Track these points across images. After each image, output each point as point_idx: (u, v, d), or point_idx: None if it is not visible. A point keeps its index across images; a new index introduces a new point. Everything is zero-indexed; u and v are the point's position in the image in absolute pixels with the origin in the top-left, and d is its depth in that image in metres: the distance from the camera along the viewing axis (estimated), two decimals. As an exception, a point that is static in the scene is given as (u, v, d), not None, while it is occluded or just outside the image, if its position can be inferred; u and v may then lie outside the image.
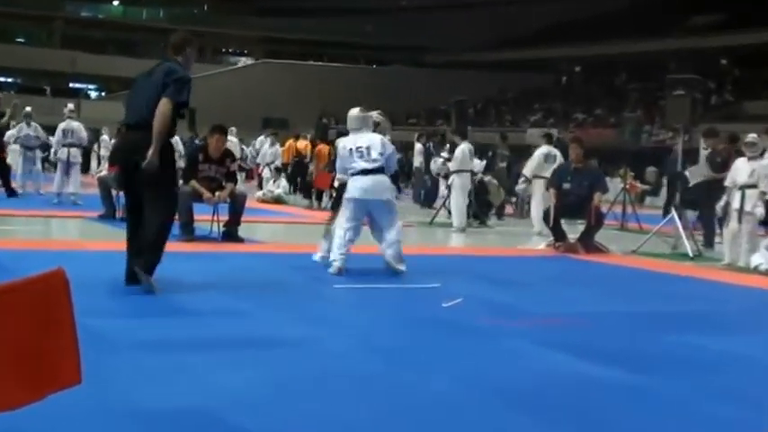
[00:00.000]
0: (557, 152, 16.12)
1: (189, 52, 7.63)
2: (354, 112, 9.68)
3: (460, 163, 15.96)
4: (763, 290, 9.86)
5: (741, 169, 11.73)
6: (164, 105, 7.11)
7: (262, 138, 25.53)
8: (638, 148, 20.04)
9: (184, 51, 7.59)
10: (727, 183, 11.98)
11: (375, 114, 9.80)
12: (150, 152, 7.06)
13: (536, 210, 16.12)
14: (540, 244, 13.38)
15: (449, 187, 16.49)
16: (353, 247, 9.44)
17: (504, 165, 19.69)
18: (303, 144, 24.75)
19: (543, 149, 16.41)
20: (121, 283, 7.45)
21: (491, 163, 19.67)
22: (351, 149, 9.42)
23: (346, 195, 9.39)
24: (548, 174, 14.91)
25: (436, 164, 17.68)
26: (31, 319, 2.66)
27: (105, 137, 27.07)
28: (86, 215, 13.88)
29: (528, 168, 16.36)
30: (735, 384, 5.29)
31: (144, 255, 7.28)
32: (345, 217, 9.39)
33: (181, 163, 23.15)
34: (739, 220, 11.59)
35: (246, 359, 5.18)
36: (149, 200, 7.32)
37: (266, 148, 24.19)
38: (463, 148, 16.07)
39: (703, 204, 13.87)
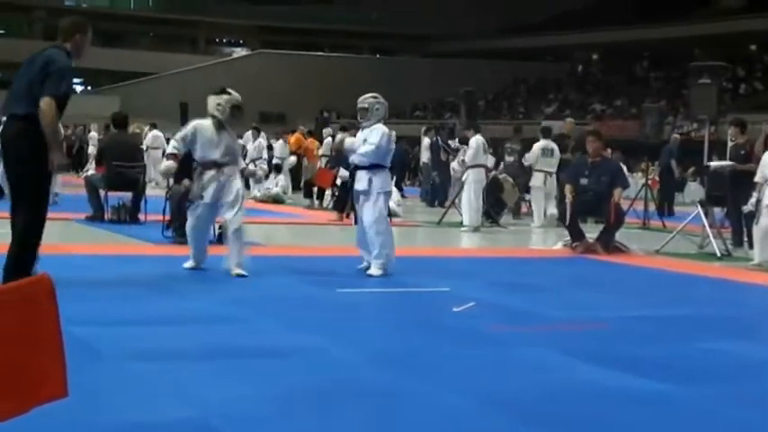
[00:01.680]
0: (554, 146, 17.44)
1: (79, 38, 7.50)
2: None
3: (475, 156, 15.98)
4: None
5: None
6: (45, 105, 6.99)
7: (248, 134, 25.54)
8: (660, 140, 19.94)
9: (74, 38, 7.48)
10: (757, 178, 11.94)
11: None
12: (51, 155, 7.03)
13: (536, 204, 17.11)
14: (557, 243, 13.35)
15: (462, 183, 16.49)
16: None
17: (512, 159, 19.64)
18: (293, 139, 24.80)
19: (541, 143, 17.42)
20: (110, 289, 7.47)
21: (500, 158, 19.79)
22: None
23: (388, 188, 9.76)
24: (547, 167, 17.12)
25: (456, 165, 17.84)
26: (13, 327, 2.66)
27: (94, 134, 27.14)
28: (73, 217, 13.90)
29: (529, 160, 17.03)
30: (766, 392, 5.29)
31: (11, 255, 7.16)
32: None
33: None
34: None
35: (244, 370, 5.17)
36: (16, 198, 7.27)
37: (249, 144, 24.16)
38: (478, 139, 16.11)
39: (730, 200, 13.85)
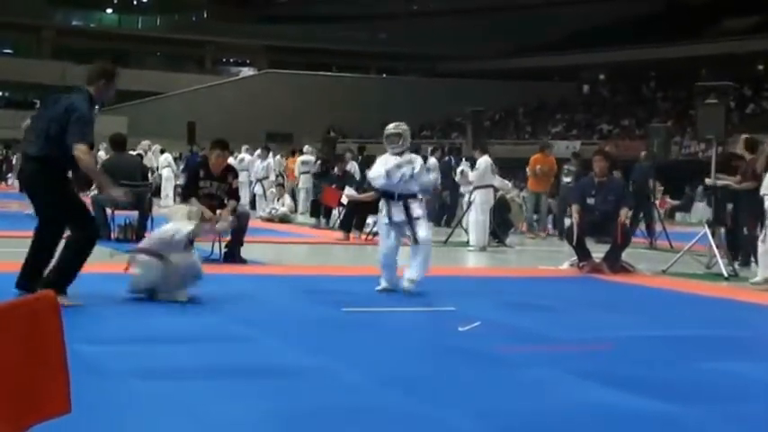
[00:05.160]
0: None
1: (103, 85, 7.88)
2: None
3: (482, 177, 15.99)
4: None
5: None
6: (80, 152, 7.48)
7: (258, 152, 25.78)
8: (667, 161, 19.93)
9: (97, 83, 7.86)
10: (762, 190, 11.90)
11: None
12: (106, 192, 8.31)
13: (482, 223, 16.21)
14: (563, 263, 13.33)
15: (469, 203, 16.50)
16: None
17: (569, 180, 19.75)
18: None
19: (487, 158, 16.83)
20: (116, 307, 7.51)
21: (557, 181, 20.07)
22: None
23: None
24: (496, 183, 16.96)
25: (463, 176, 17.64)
26: (18, 343, 2.67)
27: (101, 153, 27.27)
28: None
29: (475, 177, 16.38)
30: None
31: (52, 276, 7.64)
32: None
33: (179, 180, 23.40)
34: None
35: (249, 389, 5.17)
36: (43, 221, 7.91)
37: (258, 164, 24.31)
38: (486, 160, 16.14)
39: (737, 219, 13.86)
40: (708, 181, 14.02)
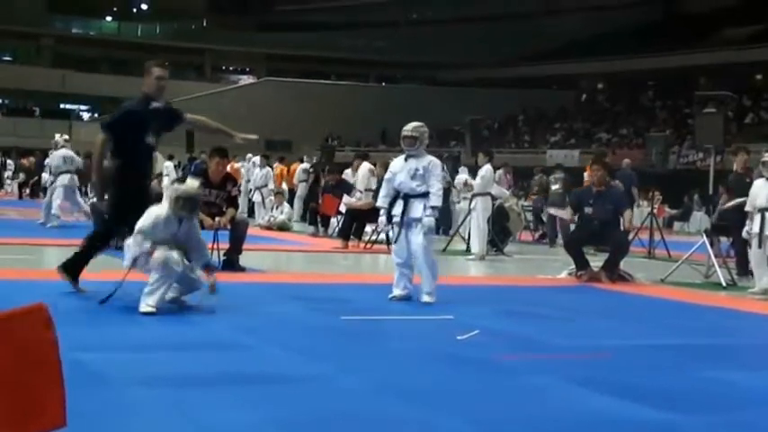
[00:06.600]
0: None
1: (146, 79, 9.06)
2: None
3: (486, 184, 15.94)
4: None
5: (760, 191, 11.66)
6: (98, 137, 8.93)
7: (255, 159, 25.77)
8: (666, 170, 19.92)
9: (145, 81, 9.05)
10: (747, 207, 11.91)
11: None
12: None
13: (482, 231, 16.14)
14: (561, 272, 13.32)
15: (469, 211, 16.47)
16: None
17: (557, 187, 19.85)
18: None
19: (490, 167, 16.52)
20: (116, 315, 7.51)
21: (546, 187, 20.11)
22: None
23: None
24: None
25: (466, 185, 17.57)
26: (11, 357, 2.64)
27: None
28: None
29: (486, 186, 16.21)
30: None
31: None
32: None
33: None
34: (759, 245, 11.56)
35: (248, 397, 5.15)
36: None
37: (257, 171, 24.30)
38: (489, 168, 16.11)
39: (736, 230, 13.85)
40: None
